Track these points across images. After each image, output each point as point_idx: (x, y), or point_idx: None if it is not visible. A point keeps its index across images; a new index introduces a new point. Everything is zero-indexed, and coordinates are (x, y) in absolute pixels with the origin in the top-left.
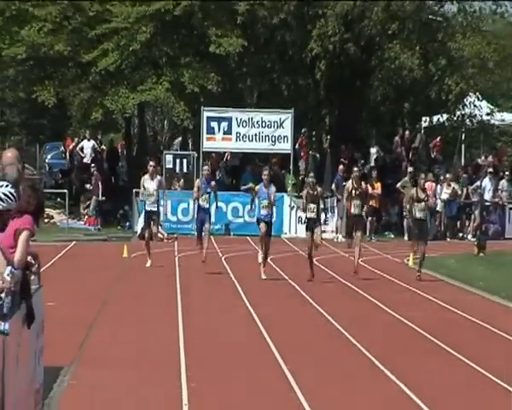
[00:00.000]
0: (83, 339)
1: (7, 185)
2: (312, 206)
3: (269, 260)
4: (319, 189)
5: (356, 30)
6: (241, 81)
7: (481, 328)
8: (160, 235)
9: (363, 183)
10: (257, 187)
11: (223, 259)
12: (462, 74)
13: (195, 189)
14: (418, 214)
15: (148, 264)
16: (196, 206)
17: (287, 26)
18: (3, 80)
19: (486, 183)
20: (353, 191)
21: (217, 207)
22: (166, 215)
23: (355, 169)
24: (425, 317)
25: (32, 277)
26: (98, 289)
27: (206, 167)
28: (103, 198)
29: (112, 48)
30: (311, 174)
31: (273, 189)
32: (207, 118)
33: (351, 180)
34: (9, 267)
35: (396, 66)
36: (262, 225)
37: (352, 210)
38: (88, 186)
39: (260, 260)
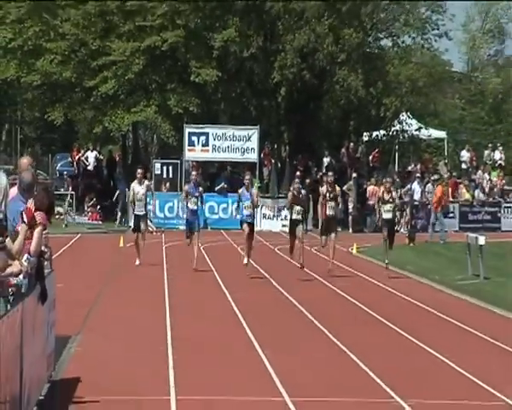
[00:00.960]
0: (87, 314)
1: None
2: (298, 208)
3: (239, 248)
4: (303, 192)
5: (310, 61)
6: (216, 104)
7: (410, 303)
8: (149, 228)
9: (336, 186)
10: (239, 190)
11: (201, 248)
12: (397, 96)
13: (184, 194)
14: (385, 215)
15: (137, 262)
16: (186, 208)
17: (254, 58)
18: (22, 102)
19: (415, 186)
20: (327, 194)
21: (202, 208)
22: (155, 213)
23: (329, 174)
24: (367, 295)
25: (46, 263)
26: (99, 273)
27: (194, 173)
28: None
29: (110, 76)
30: (297, 180)
31: (254, 191)
32: (189, 133)
33: (325, 185)
34: (26, 255)
35: (343, 89)
36: (245, 226)
37: (327, 212)
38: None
39: (245, 261)
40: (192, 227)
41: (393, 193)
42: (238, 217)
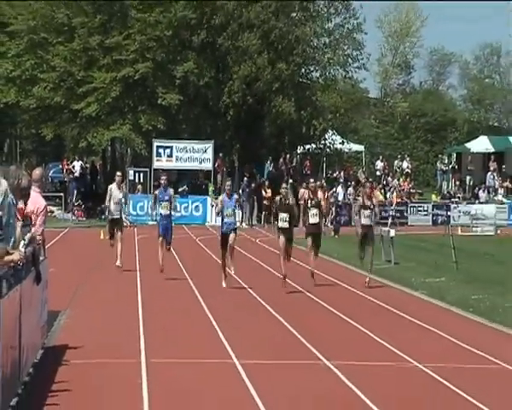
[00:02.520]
0: (74, 293)
1: None
2: (284, 215)
3: (197, 239)
4: (291, 198)
5: (253, 88)
6: (178, 123)
7: (336, 285)
8: (125, 223)
9: (319, 192)
10: (220, 198)
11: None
12: (324, 118)
13: (153, 199)
14: (364, 220)
15: (118, 262)
16: (159, 214)
17: (208, 86)
18: (21, 122)
19: (339, 189)
20: (309, 201)
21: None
22: (129, 211)
23: (311, 180)
24: (304, 280)
25: (40, 251)
26: (84, 260)
27: (163, 177)
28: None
29: (93, 100)
30: (284, 185)
31: (236, 196)
32: (156, 146)
33: (307, 192)
34: (22, 242)
35: (279, 112)
36: (227, 235)
37: (310, 220)
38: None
39: (224, 285)
40: (165, 235)
41: (319, 195)
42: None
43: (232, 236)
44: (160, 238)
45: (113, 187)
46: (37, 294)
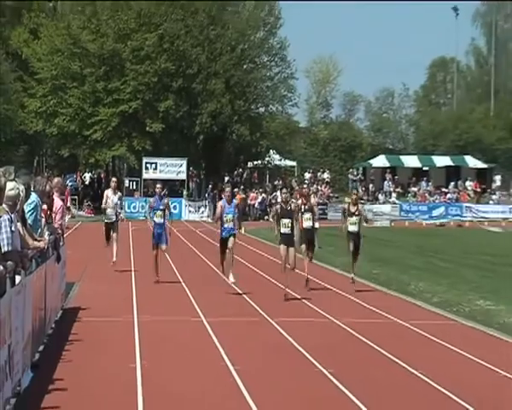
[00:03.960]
0: (85, 269)
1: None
2: (286, 221)
3: (175, 230)
4: (293, 204)
5: (217, 120)
6: (162, 145)
7: (272, 261)
8: (120, 217)
9: (312, 197)
10: (220, 203)
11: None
12: (267, 141)
13: (149, 209)
14: (351, 228)
15: (114, 259)
16: (153, 221)
17: (183, 118)
18: (46, 144)
19: (278, 193)
20: (303, 207)
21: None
22: (125, 210)
23: (304, 186)
24: (250, 257)
25: (61, 242)
26: (93, 246)
27: (158, 185)
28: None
29: (98, 129)
30: (284, 190)
31: (235, 202)
32: (145, 162)
33: (300, 198)
34: (46, 232)
35: (237, 136)
36: (226, 239)
37: (304, 225)
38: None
39: (232, 279)
40: (159, 241)
41: (312, 200)
42: (218, 231)
43: (231, 240)
44: (155, 251)
45: (108, 192)
46: (57, 270)
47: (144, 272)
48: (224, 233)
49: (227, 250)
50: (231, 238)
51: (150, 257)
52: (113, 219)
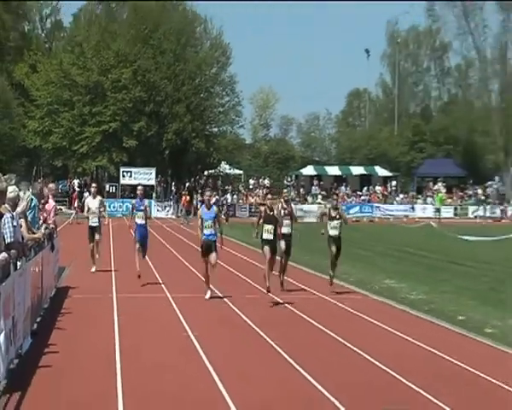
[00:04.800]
0: (74, 256)
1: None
2: (269, 227)
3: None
4: (276, 209)
5: (180, 136)
6: (135, 157)
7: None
8: (103, 221)
9: (291, 204)
10: (199, 211)
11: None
12: (220, 153)
13: (130, 209)
14: (332, 232)
15: (93, 269)
16: (134, 223)
17: (153, 136)
18: (43, 157)
19: (228, 196)
20: (282, 211)
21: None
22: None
23: (285, 191)
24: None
25: (54, 232)
26: (81, 239)
27: (140, 187)
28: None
29: (85, 144)
30: (269, 196)
31: (215, 208)
32: (122, 171)
33: (280, 203)
34: (44, 225)
35: (195, 150)
36: (207, 244)
37: (283, 230)
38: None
39: (208, 296)
40: (142, 243)
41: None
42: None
43: (213, 256)
44: (137, 245)
45: (88, 200)
46: (51, 257)
47: (122, 259)
48: (204, 237)
49: (209, 266)
50: (213, 254)
51: (127, 250)
52: (97, 223)
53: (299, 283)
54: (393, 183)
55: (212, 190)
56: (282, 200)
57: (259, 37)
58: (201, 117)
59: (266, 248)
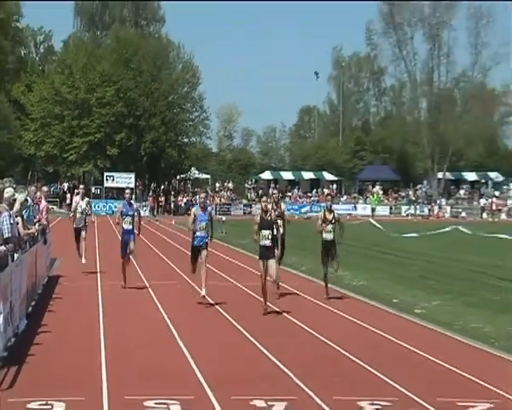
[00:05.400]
0: (63, 249)
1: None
2: (266, 232)
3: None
4: (273, 214)
5: (156, 145)
6: (117, 164)
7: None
8: (90, 219)
9: (282, 204)
10: (193, 209)
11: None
12: (190, 160)
13: (118, 214)
14: (326, 235)
15: (83, 260)
16: (121, 228)
17: (133, 145)
18: (37, 163)
19: (197, 197)
20: (272, 212)
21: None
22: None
23: (275, 192)
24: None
25: (47, 228)
26: (70, 233)
27: (128, 191)
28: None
29: (74, 153)
30: (264, 198)
31: (209, 209)
32: (106, 175)
33: (270, 204)
34: (37, 224)
35: (169, 157)
36: (198, 248)
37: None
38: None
39: (203, 292)
40: (128, 245)
41: (282, 206)
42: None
43: (204, 253)
44: (123, 260)
45: (77, 198)
46: (44, 249)
47: (107, 252)
48: (195, 242)
49: (199, 261)
50: (204, 251)
51: (111, 242)
52: (82, 224)
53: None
54: (339, 186)
55: (206, 191)
56: (273, 201)
57: (226, 60)
58: (174, 129)
59: (261, 262)
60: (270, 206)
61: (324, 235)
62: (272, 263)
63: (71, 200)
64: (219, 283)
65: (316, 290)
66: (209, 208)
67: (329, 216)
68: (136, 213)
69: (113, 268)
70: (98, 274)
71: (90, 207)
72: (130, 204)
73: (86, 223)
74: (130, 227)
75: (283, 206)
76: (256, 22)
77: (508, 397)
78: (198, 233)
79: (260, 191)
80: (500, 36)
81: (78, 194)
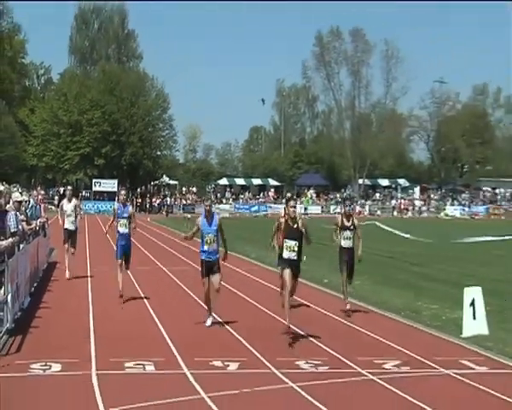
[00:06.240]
0: (60, 240)
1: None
2: (292, 243)
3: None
4: (300, 221)
5: (134, 157)
6: (103, 172)
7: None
8: (79, 218)
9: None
10: (198, 221)
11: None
12: (162, 169)
13: (113, 214)
14: (344, 243)
15: (67, 275)
16: (116, 233)
17: (115, 157)
18: (38, 172)
19: (168, 199)
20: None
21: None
22: (83, 208)
23: (289, 195)
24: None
25: (46, 225)
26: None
27: (123, 192)
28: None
29: (68, 163)
30: (292, 202)
31: (217, 220)
32: (94, 181)
33: (283, 211)
34: (38, 220)
35: (145, 167)
36: (208, 264)
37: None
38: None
39: (209, 322)
40: (125, 253)
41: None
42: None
43: (216, 278)
44: (119, 261)
45: (64, 202)
46: (44, 241)
47: (95, 243)
48: (203, 256)
49: (211, 287)
50: (216, 276)
51: (99, 237)
52: (73, 226)
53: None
54: (282, 190)
55: (210, 199)
56: (290, 209)
57: (190, 89)
58: (149, 144)
59: (287, 271)
60: (298, 210)
61: (343, 242)
62: (294, 282)
63: (59, 201)
64: (186, 267)
65: (260, 274)
66: (217, 217)
67: (348, 223)
68: (131, 217)
69: (99, 256)
70: (88, 263)
71: (80, 208)
72: (125, 205)
73: (77, 228)
74: (127, 231)
75: (298, 214)
76: (215, 60)
77: (412, 355)
78: (205, 247)
79: (218, 194)
80: (406, 72)
81: (65, 196)
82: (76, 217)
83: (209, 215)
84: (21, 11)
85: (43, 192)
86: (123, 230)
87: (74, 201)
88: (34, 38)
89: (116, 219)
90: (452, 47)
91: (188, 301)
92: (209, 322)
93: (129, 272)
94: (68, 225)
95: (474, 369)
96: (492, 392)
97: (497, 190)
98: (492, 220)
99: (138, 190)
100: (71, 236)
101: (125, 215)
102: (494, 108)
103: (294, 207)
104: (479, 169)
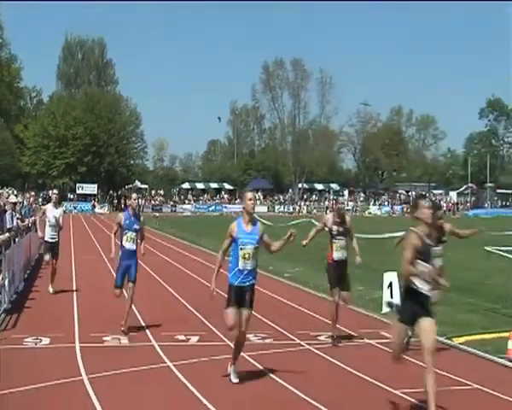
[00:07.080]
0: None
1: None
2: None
3: (96, 221)
4: (348, 217)
5: (113, 165)
6: (85, 178)
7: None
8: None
9: (347, 216)
10: (233, 225)
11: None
12: (135, 175)
13: (116, 227)
14: (336, 254)
15: (51, 290)
16: (120, 246)
17: (95, 165)
18: (32, 177)
19: (142, 201)
20: (335, 228)
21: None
22: (68, 208)
23: (340, 199)
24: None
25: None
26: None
27: (134, 195)
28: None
29: (56, 171)
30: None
31: (259, 227)
32: (77, 185)
33: (331, 216)
34: (32, 218)
35: (120, 174)
36: (240, 291)
37: (336, 255)
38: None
39: (233, 376)
40: (129, 273)
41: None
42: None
43: (246, 314)
44: (117, 291)
45: (48, 207)
46: (36, 236)
47: (79, 236)
48: (237, 280)
49: (241, 319)
50: (245, 312)
51: (87, 237)
52: (55, 238)
53: (185, 251)
54: (235, 193)
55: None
56: (335, 212)
57: (158, 108)
58: (124, 155)
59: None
60: (332, 218)
61: (335, 254)
62: (346, 283)
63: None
64: (158, 259)
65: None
66: (259, 224)
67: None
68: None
69: (83, 247)
70: (72, 253)
71: (62, 219)
72: (136, 214)
73: (59, 240)
74: (134, 247)
75: (348, 218)
76: (180, 84)
77: (342, 329)
78: (241, 265)
79: (182, 196)
80: (338, 97)
81: (49, 201)
82: (60, 229)
83: (251, 221)
84: (18, 43)
85: (33, 193)
86: (129, 245)
87: (60, 209)
88: (28, 65)
89: (122, 231)
90: (374, 74)
91: (161, 290)
92: (234, 378)
93: (107, 262)
94: (49, 238)
95: (391, 338)
96: (406, 357)
97: (410, 193)
98: (406, 218)
99: (115, 193)
100: (52, 248)
101: (136, 227)
102: (407, 127)
103: (343, 206)
104: (395, 176)
